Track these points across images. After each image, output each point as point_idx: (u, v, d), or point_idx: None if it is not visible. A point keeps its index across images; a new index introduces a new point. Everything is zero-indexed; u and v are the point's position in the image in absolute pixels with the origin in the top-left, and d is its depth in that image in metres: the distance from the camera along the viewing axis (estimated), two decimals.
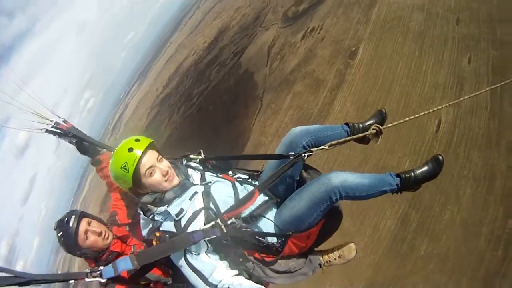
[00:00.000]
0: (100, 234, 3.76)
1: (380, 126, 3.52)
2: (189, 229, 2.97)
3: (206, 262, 2.89)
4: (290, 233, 3.15)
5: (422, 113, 3.95)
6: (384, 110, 3.93)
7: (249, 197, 3.10)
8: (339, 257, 3.83)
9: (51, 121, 4.15)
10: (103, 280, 2.88)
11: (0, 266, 2.53)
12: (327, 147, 3.18)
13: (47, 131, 4.05)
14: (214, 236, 2.90)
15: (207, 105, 56.16)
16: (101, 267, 2.92)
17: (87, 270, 2.87)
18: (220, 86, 56.26)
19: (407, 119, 3.80)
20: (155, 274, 3.50)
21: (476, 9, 22.74)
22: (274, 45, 48.04)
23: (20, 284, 2.50)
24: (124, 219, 4.21)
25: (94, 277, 2.83)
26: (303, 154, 3.12)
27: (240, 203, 3.09)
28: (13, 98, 3.92)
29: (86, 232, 3.70)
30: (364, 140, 3.71)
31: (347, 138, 3.45)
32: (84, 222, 3.76)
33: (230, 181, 3.41)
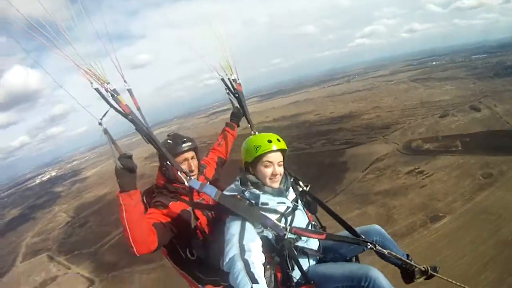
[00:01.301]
0: (191, 171, 3.80)
1: (429, 269, 3.68)
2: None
3: (254, 233, 3.12)
4: (312, 282, 3.38)
5: None
6: (438, 268, 3.89)
7: (318, 233, 3.45)
8: None
9: (231, 75, 4.62)
10: (187, 183, 3.21)
11: (141, 113, 3.03)
12: (386, 252, 3.43)
13: (223, 80, 4.63)
14: (276, 233, 3.22)
15: (293, 163, 55.03)
16: (193, 177, 3.36)
17: (186, 170, 3.36)
18: (314, 157, 57.33)
19: (455, 282, 3.78)
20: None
21: None
22: (382, 160, 48.43)
23: (140, 131, 3.04)
24: (209, 174, 4.39)
25: (184, 176, 3.24)
26: (368, 243, 3.38)
27: (310, 231, 3.45)
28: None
29: (186, 159, 3.83)
30: (406, 275, 3.88)
31: (403, 258, 3.63)
32: (190, 153, 3.88)
33: (309, 219, 3.68)
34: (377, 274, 3.06)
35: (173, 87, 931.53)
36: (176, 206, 3.68)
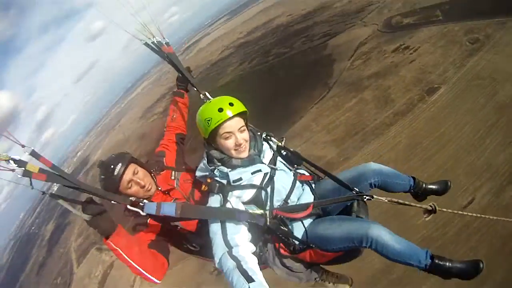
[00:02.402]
0: (143, 186, 3.46)
1: (436, 206, 3.37)
2: (236, 195, 3.05)
3: (236, 223, 2.91)
4: (312, 245, 3.16)
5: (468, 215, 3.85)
6: (449, 184, 3.72)
7: (303, 208, 3.18)
8: (334, 284, 4.02)
9: (154, 37, 4.00)
10: (143, 213, 2.86)
11: (58, 168, 2.64)
12: (386, 200, 3.22)
13: (146, 44, 4.00)
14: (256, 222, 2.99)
15: (279, 69, 55.83)
16: (145, 201, 2.92)
17: (132, 199, 2.91)
18: (298, 58, 55.87)
19: (469, 214, 3.73)
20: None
21: None
22: (365, 44, 47.12)
23: (68, 186, 2.63)
24: (170, 162, 3.96)
25: (136, 207, 2.86)
26: (364, 196, 3.17)
27: (294, 209, 3.17)
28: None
29: (130, 181, 3.42)
30: (417, 196, 3.69)
31: (406, 202, 3.31)
32: (130, 171, 3.44)
33: (293, 174, 3.42)
34: (378, 231, 2.86)
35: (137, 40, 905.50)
36: (155, 221, 3.47)
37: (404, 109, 29.85)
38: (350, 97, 37.09)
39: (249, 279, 2.47)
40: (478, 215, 3.83)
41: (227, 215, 2.91)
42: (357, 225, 3.05)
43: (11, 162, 2.40)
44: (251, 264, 2.64)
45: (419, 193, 3.63)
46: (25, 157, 2.50)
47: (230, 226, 2.88)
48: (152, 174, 3.68)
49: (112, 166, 3.36)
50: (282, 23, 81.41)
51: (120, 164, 3.38)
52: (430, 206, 3.40)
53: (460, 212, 3.58)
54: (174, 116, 4.36)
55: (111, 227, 2.78)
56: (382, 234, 2.84)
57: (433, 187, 3.67)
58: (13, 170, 2.40)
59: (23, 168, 2.43)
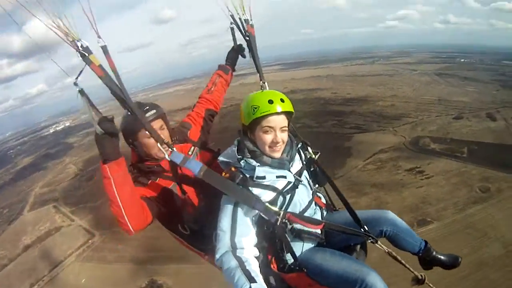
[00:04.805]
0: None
1: (426, 278, 3.31)
2: (256, 193, 2.91)
3: (247, 225, 2.85)
4: (305, 270, 3.04)
5: None
6: (459, 260, 3.55)
7: (316, 222, 3.10)
8: None
9: (243, 15, 3.92)
10: (167, 158, 2.77)
11: (117, 74, 2.53)
12: (386, 250, 3.10)
13: (232, 16, 3.95)
14: (267, 218, 2.89)
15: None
16: (175, 149, 2.83)
17: (166, 141, 2.82)
18: (322, 137, 56.25)
19: None
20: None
21: None
22: (385, 152, 47.73)
23: (115, 94, 2.56)
24: (194, 136, 3.80)
25: (165, 149, 2.77)
26: (370, 238, 3.08)
27: (308, 220, 3.07)
28: None
29: None
30: (424, 262, 3.59)
31: (402, 261, 3.23)
32: (158, 123, 3.32)
33: (312, 193, 3.30)
34: (375, 280, 2.71)
35: (197, 44, 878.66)
36: (156, 185, 3.29)
37: None
38: (348, 196, 34.63)
39: (251, 279, 2.44)
40: None
41: (245, 198, 2.80)
42: (357, 266, 2.88)
43: (79, 45, 2.35)
44: (254, 267, 2.61)
45: (427, 260, 3.52)
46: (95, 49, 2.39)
47: (240, 227, 2.81)
48: (173, 140, 3.48)
49: (147, 108, 3.25)
50: (325, 97, 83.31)
51: (154, 111, 3.28)
52: (421, 275, 3.30)
53: None
54: (212, 89, 4.14)
55: (116, 153, 2.64)
56: (377, 284, 2.69)
57: (442, 257, 3.54)
58: (76, 49, 2.36)
59: (86, 54, 2.39)
